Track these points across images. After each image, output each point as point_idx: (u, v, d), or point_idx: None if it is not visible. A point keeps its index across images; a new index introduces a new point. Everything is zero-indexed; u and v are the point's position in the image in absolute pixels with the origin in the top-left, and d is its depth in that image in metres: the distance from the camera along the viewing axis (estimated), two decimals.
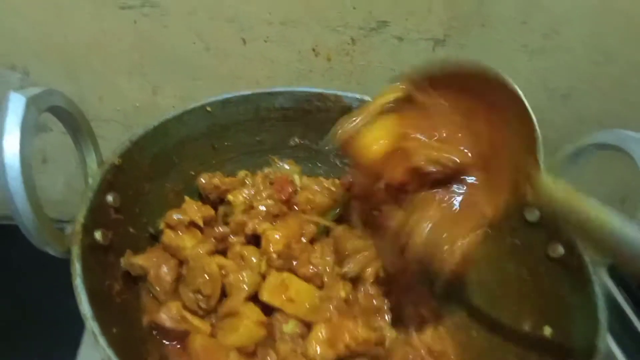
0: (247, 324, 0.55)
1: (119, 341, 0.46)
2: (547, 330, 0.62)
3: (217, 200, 0.70)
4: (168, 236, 0.62)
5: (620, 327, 0.85)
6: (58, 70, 0.85)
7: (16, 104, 0.47)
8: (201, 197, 0.72)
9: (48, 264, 0.67)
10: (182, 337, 0.57)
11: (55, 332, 0.76)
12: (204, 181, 0.70)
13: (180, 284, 0.60)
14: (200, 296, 0.58)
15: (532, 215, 0.69)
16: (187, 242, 0.62)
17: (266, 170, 0.75)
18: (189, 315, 0.56)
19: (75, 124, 0.56)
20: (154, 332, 0.57)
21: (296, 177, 0.73)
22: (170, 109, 0.69)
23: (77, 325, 0.72)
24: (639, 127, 0.61)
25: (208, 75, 0.89)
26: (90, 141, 0.58)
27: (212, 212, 0.67)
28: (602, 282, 0.61)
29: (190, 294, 0.59)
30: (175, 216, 0.63)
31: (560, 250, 0.65)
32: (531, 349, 0.62)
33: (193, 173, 0.72)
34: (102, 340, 0.44)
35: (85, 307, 0.46)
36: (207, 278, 0.58)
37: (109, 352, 0.43)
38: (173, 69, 0.88)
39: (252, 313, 0.57)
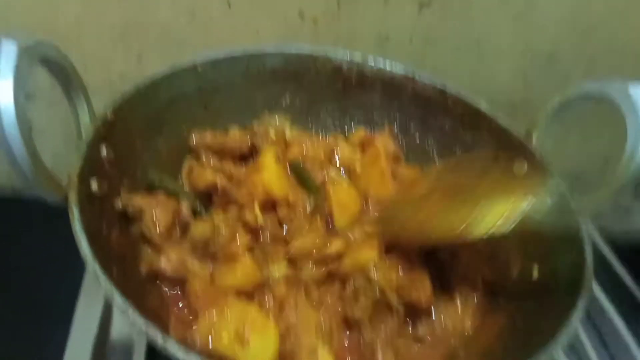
0: (245, 265, 0.57)
1: (120, 282, 0.46)
2: (535, 274, 0.64)
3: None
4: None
5: (607, 277, 0.88)
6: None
7: (8, 50, 0.47)
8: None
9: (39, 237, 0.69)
10: (181, 283, 0.58)
11: (48, 304, 0.76)
12: (196, 139, 0.70)
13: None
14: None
15: (521, 168, 0.71)
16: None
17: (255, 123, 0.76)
18: (189, 261, 0.57)
19: (67, 78, 0.56)
20: (154, 279, 0.58)
21: (287, 131, 0.74)
22: None
23: (71, 295, 0.73)
24: None
25: (193, 42, 0.89)
26: (82, 95, 0.58)
27: None
28: (589, 232, 0.62)
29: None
30: None
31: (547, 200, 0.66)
32: (520, 293, 0.64)
33: (185, 132, 0.72)
34: (103, 278, 0.44)
35: (85, 248, 0.46)
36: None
37: (111, 288, 0.44)
38: (157, 37, 0.88)
39: (250, 257, 0.59)
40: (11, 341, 0.71)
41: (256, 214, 0.62)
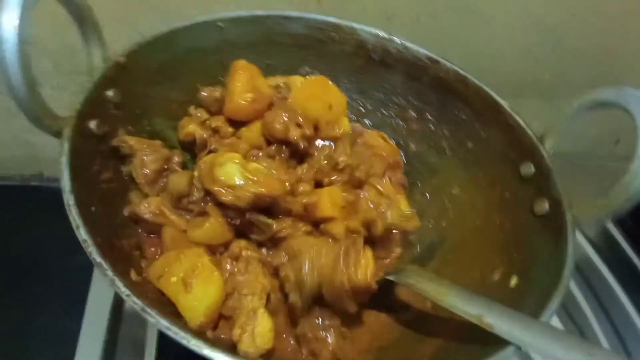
0: (213, 222, 0.58)
1: (96, 219, 0.50)
2: (514, 281, 0.63)
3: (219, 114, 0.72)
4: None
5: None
6: None
7: None
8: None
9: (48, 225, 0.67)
10: (158, 230, 0.60)
11: (59, 290, 0.78)
12: (205, 94, 0.72)
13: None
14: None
15: (527, 170, 0.69)
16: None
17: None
18: (167, 211, 0.59)
19: (81, 15, 0.58)
20: (134, 222, 0.61)
21: None
22: None
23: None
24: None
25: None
26: (96, 35, 0.60)
27: None
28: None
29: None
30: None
31: (545, 206, 0.64)
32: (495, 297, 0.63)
33: (199, 86, 0.73)
34: (74, 211, 0.47)
35: (65, 181, 0.49)
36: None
37: (78, 222, 0.47)
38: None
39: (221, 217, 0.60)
40: (22, 333, 0.74)
41: None
